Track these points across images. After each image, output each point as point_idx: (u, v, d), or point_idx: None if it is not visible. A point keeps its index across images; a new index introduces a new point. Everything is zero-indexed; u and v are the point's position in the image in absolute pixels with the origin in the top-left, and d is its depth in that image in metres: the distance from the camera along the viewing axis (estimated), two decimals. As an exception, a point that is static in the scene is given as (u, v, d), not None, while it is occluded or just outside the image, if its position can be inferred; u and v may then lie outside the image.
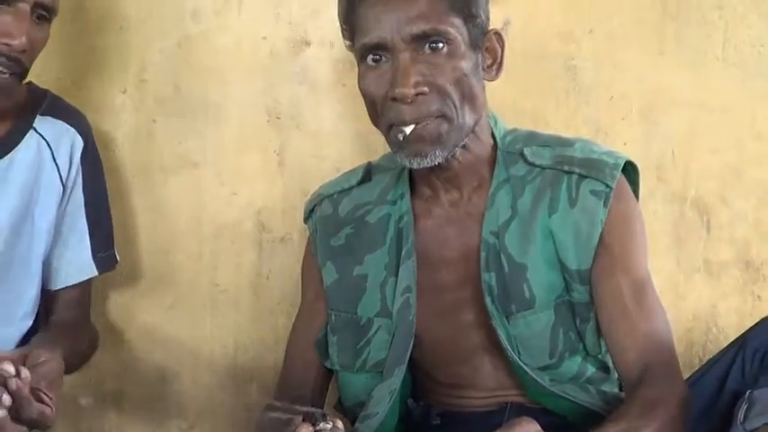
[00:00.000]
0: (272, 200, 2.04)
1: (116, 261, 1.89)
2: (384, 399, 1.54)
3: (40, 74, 1.80)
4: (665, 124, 2.02)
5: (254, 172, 2.04)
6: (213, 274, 2.06)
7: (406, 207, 1.61)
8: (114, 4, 2.00)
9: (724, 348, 1.58)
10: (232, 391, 2.07)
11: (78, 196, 1.78)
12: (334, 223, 1.67)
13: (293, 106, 2.02)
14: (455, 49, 1.45)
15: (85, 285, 1.83)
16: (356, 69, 1.52)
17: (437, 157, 1.46)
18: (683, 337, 2.04)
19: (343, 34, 1.55)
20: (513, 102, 2.01)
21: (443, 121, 1.45)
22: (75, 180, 1.78)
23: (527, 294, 1.51)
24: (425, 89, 1.43)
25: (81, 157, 1.78)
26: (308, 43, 2.00)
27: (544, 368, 1.52)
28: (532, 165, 1.56)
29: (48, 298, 1.80)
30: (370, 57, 1.47)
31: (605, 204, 1.49)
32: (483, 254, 1.53)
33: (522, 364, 1.50)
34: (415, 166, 1.48)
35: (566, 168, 1.53)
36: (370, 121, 1.54)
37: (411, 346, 1.54)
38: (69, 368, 1.60)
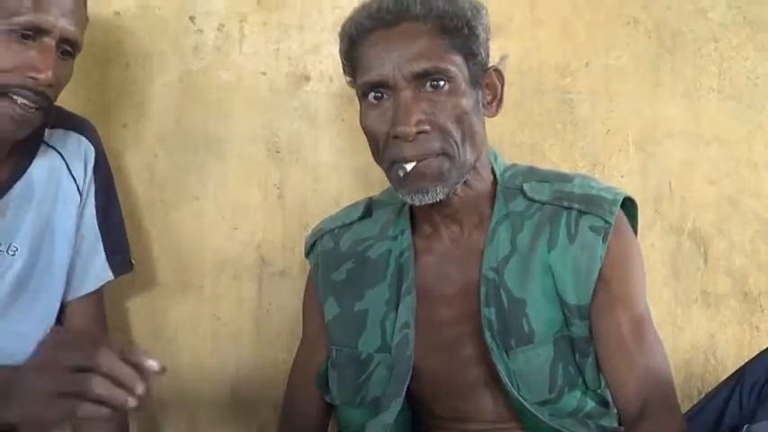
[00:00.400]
0: (273, 234, 2.04)
1: (131, 265, 1.88)
2: None
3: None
4: (662, 156, 2.04)
5: (254, 206, 2.04)
6: (214, 308, 2.05)
7: (407, 243, 1.61)
8: (119, 41, 2.01)
9: (722, 382, 1.59)
10: (233, 426, 2.06)
11: (91, 204, 1.79)
12: (335, 258, 1.67)
13: (293, 141, 2.03)
14: (456, 87, 1.46)
15: (100, 298, 1.82)
16: (355, 104, 1.54)
17: (438, 194, 1.47)
18: (681, 368, 2.05)
19: (344, 71, 1.56)
20: (511, 135, 2.03)
21: (445, 159, 1.46)
22: (89, 188, 1.78)
23: (526, 329, 1.51)
24: (427, 127, 1.44)
25: (94, 166, 1.79)
26: (307, 78, 2.01)
27: (543, 403, 1.52)
28: (532, 200, 1.57)
29: (62, 315, 1.78)
30: (372, 94, 1.48)
31: (604, 240, 1.50)
32: (483, 289, 1.53)
33: (521, 398, 1.50)
34: (416, 202, 1.48)
35: (565, 204, 1.54)
36: (369, 156, 1.54)
37: (408, 381, 1.54)
38: None
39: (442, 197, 1.48)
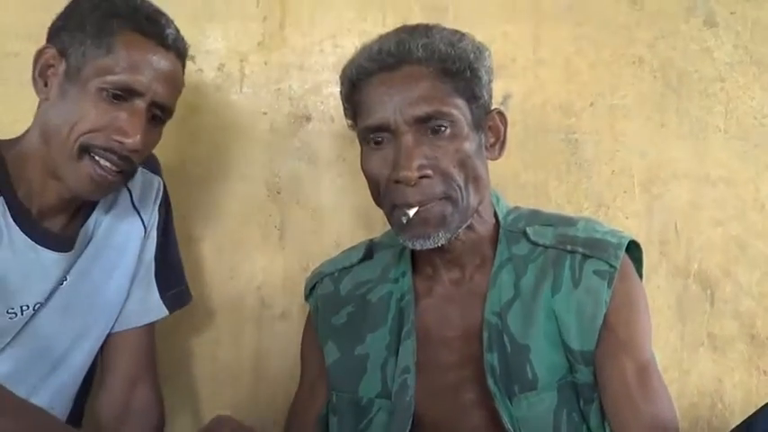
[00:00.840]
0: (273, 275, 2.02)
1: (189, 297, 1.82)
2: None
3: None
4: (668, 197, 2.02)
5: (254, 247, 2.02)
6: (213, 349, 2.03)
7: (408, 285, 1.59)
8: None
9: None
10: None
11: (153, 238, 1.74)
12: (335, 302, 1.65)
13: (294, 181, 2.01)
14: (458, 131, 1.45)
15: (150, 332, 1.77)
16: (357, 144, 1.52)
17: (440, 239, 1.45)
18: (687, 412, 2.02)
19: (345, 114, 1.55)
20: (515, 175, 2.01)
21: (448, 203, 1.44)
22: (153, 223, 1.74)
23: (530, 375, 1.48)
24: (429, 172, 1.42)
25: (161, 202, 1.75)
26: (308, 118, 2.00)
27: None
28: (535, 244, 1.55)
29: (105, 354, 1.74)
30: (373, 138, 1.46)
31: (609, 285, 1.47)
32: (485, 334, 1.51)
33: None
34: (417, 247, 1.47)
35: (569, 248, 1.52)
36: (370, 196, 1.53)
37: (408, 428, 1.51)
38: None
39: (443, 242, 1.46)
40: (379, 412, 1.55)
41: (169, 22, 1.56)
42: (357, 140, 1.52)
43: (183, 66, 1.60)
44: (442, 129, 1.43)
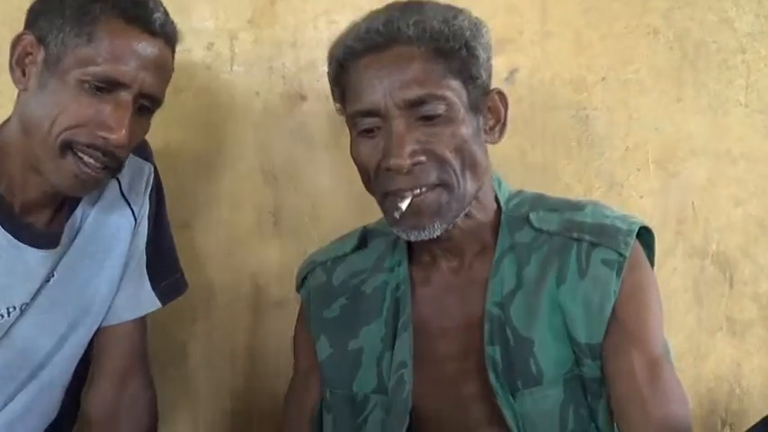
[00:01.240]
0: (268, 262, 1.95)
1: (185, 285, 1.74)
2: None
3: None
4: (685, 175, 1.95)
5: (248, 233, 1.95)
6: (209, 338, 1.97)
7: (404, 275, 1.52)
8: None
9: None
10: None
11: (144, 227, 1.66)
12: (327, 293, 1.58)
13: (289, 164, 1.93)
14: (454, 115, 1.36)
15: (142, 325, 1.70)
16: (353, 125, 1.44)
17: (436, 229, 1.38)
18: (704, 398, 1.97)
19: (333, 96, 1.47)
20: (522, 154, 1.93)
21: (443, 191, 1.37)
22: (143, 213, 1.65)
23: (534, 370, 1.41)
24: (422, 158, 1.35)
25: (151, 190, 1.67)
26: (303, 98, 1.91)
27: None
28: (539, 231, 1.47)
29: (95, 349, 1.67)
30: (363, 123, 1.38)
31: (618, 275, 1.39)
32: (487, 326, 1.43)
33: None
34: (412, 239, 1.40)
35: (575, 235, 1.44)
36: (368, 180, 1.45)
37: (406, 426, 1.44)
38: None
39: (439, 233, 1.39)
40: (376, 409, 1.49)
41: (157, 4, 1.45)
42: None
43: (173, 52, 1.50)
44: (437, 112, 1.35)
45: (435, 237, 1.38)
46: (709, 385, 1.97)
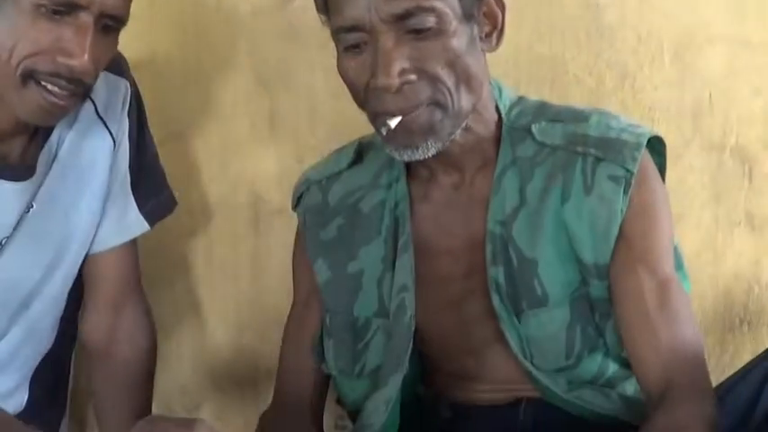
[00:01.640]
0: (266, 170, 1.90)
1: (173, 203, 1.70)
2: (379, 409, 1.42)
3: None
4: (701, 65, 1.86)
5: (244, 141, 1.89)
6: (209, 251, 1.94)
7: (402, 192, 1.45)
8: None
9: (759, 356, 1.40)
10: (236, 374, 1.98)
11: (125, 146, 1.59)
12: (323, 213, 1.52)
13: (281, 66, 1.85)
14: (445, 27, 1.26)
15: (130, 251, 1.65)
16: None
17: (430, 148, 1.30)
18: (722, 297, 1.93)
19: (317, 7, 1.36)
20: (529, 46, 1.85)
21: (436, 109, 1.28)
22: (123, 132, 1.59)
23: (539, 291, 1.36)
24: (412, 77, 1.26)
25: (129, 107, 1.59)
26: (292, -5, 1.82)
27: (560, 370, 1.38)
28: (542, 144, 1.39)
29: (85, 278, 1.63)
30: (347, 39, 1.29)
31: (625, 191, 1.32)
32: (489, 246, 1.38)
33: (534, 369, 1.37)
34: (405, 159, 1.32)
35: (579, 149, 1.36)
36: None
37: (409, 351, 1.40)
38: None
39: (434, 152, 1.31)
40: (378, 333, 1.45)
41: None
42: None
43: None
44: (426, 26, 1.24)
45: (430, 156, 1.31)
46: (727, 284, 1.92)
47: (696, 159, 1.88)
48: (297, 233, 1.58)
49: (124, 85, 1.58)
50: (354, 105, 1.66)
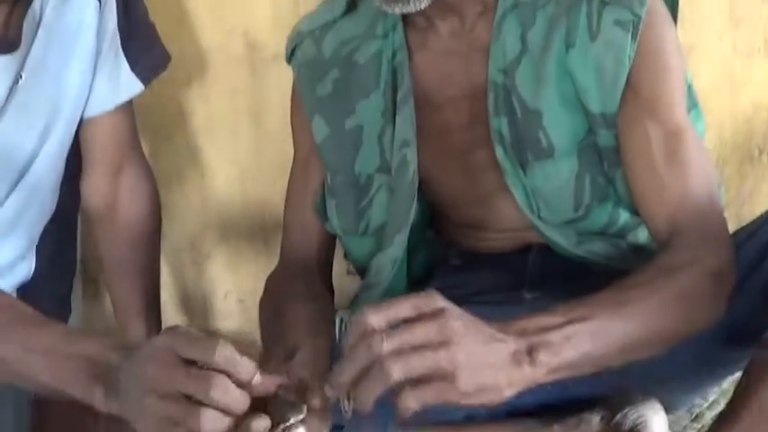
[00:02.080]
0: (260, 16, 1.82)
1: (166, 58, 1.65)
2: (385, 268, 1.40)
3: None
4: None
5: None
6: (207, 101, 1.88)
7: (400, 41, 1.37)
8: None
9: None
10: (244, 224, 1.96)
11: (111, 4, 1.53)
12: (318, 67, 1.44)
13: None
14: None
15: (125, 114, 1.62)
16: None
17: (422, 0, 1.22)
18: (741, 127, 1.87)
19: None
20: None
21: None
22: None
23: (544, 143, 1.30)
24: None
25: None
26: None
27: (569, 222, 1.34)
28: None
29: (82, 143, 1.60)
30: None
31: (633, 38, 1.24)
32: (491, 96, 1.31)
33: (540, 222, 1.33)
34: (397, 12, 1.25)
35: None
36: None
37: (413, 208, 1.36)
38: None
39: (426, 4, 1.23)
40: (380, 190, 1.41)
41: None
42: None
43: None
44: None
45: (422, 9, 1.23)
46: (746, 113, 1.86)
47: (712, -16, 1.78)
48: (293, 90, 1.51)
49: None
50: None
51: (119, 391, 0.95)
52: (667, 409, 1.38)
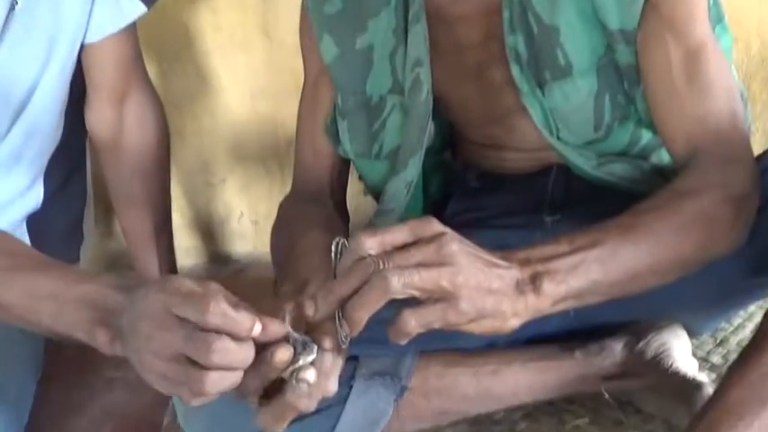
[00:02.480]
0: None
1: None
2: (400, 193, 1.36)
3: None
4: None
5: None
6: (215, 18, 1.82)
7: None
8: None
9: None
10: (257, 145, 1.93)
11: None
12: None
13: None
14: None
15: (128, 38, 1.57)
16: None
17: None
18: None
19: None
20: None
21: None
22: None
23: (562, 61, 1.24)
24: None
25: None
26: None
27: (589, 143, 1.30)
28: None
29: (85, 70, 1.57)
30: None
31: None
32: (506, 12, 1.25)
33: (559, 144, 1.29)
34: None
35: None
36: None
37: (428, 131, 1.32)
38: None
39: None
40: (394, 111, 1.36)
41: None
42: None
43: None
44: None
45: None
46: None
47: None
48: (301, 8, 1.45)
49: None
50: None
51: (123, 334, 0.93)
52: (691, 334, 1.36)
